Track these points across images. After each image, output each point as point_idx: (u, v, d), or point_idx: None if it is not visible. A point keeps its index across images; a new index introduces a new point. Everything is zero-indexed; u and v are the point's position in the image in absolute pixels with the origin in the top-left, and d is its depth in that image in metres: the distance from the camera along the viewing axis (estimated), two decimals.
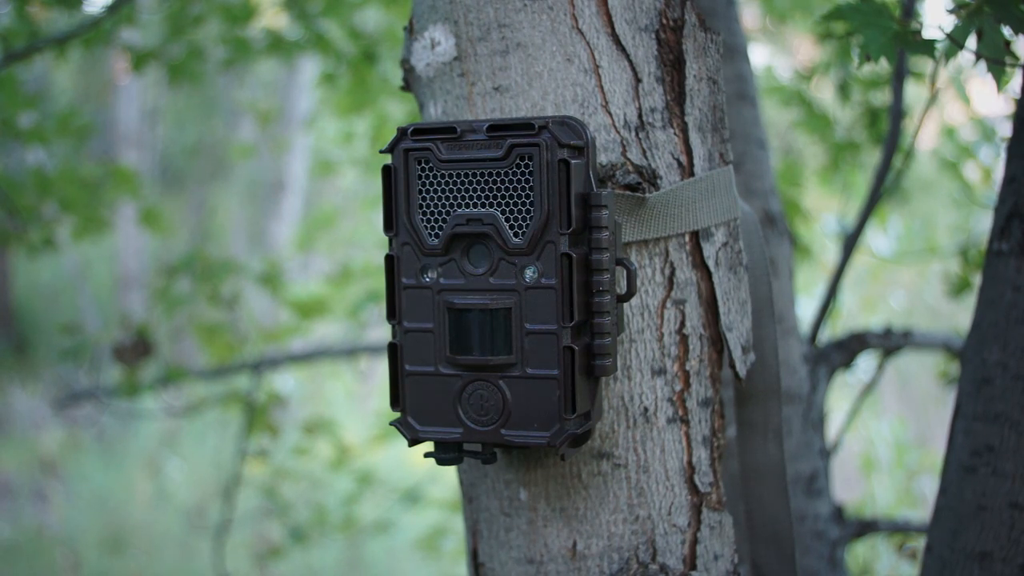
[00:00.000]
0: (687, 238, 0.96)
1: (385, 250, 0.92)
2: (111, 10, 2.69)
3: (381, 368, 6.23)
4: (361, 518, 4.38)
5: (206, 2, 3.05)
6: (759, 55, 7.06)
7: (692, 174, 0.96)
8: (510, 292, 0.87)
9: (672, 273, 0.96)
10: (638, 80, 0.95)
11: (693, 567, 0.97)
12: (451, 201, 0.88)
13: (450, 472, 3.83)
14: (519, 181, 0.86)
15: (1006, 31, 1.07)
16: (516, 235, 0.86)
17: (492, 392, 0.88)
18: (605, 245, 0.86)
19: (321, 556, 5.49)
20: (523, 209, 0.86)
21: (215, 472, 6.16)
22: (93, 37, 2.83)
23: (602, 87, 0.94)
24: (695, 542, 0.98)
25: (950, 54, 1.13)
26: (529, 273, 0.86)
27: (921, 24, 1.19)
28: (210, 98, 10.74)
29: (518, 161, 0.86)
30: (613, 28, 0.95)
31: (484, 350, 0.88)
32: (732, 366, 1.01)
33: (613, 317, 0.88)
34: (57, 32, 2.86)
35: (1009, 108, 2.07)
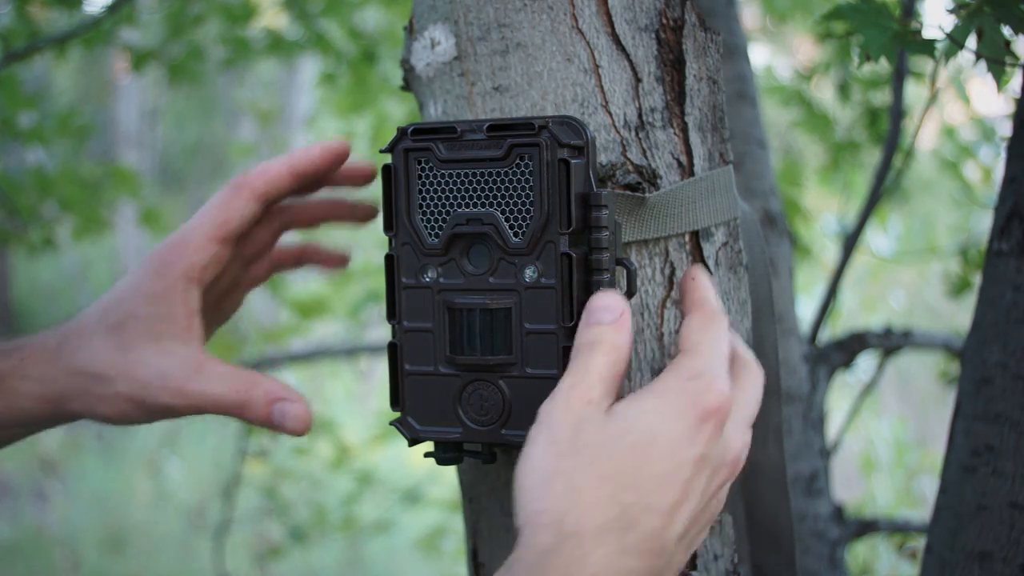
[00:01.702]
0: (687, 238, 0.96)
1: (385, 250, 0.91)
2: (111, 10, 2.69)
3: (381, 368, 6.24)
4: (361, 518, 4.38)
5: (206, 2, 3.05)
6: (759, 55, 7.06)
7: (692, 174, 0.96)
8: (509, 292, 0.87)
9: (672, 273, 0.96)
10: (638, 80, 0.95)
11: (693, 567, 0.97)
12: (451, 201, 0.88)
13: (450, 472, 3.83)
14: (519, 181, 0.86)
15: (1006, 31, 1.07)
16: (516, 235, 0.86)
17: (492, 392, 0.88)
18: (605, 245, 0.86)
19: (321, 556, 5.49)
20: (523, 209, 0.86)
21: (215, 472, 6.16)
22: (93, 37, 2.83)
23: (602, 87, 0.94)
24: None
25: (950, 54, 1.13)
26: (529, 273, 0.86)
27: (921, 24, 1.18)
28: (210, 98, 10.75)
29: (518, 161, 0.85)
30: (613, 28, 0.95)
31: (484, 350, 0.87)
32: None
33: None
34: (57, 32, 2.86)
35: (1009, 108, 2.07)
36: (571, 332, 0.85)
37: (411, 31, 1.01)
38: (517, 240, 0.86)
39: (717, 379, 0.78)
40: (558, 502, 0.73)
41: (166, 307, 0.88)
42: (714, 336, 0.82)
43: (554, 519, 0.73)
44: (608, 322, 0.80)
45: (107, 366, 0.88)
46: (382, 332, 5.13)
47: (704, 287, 0.88)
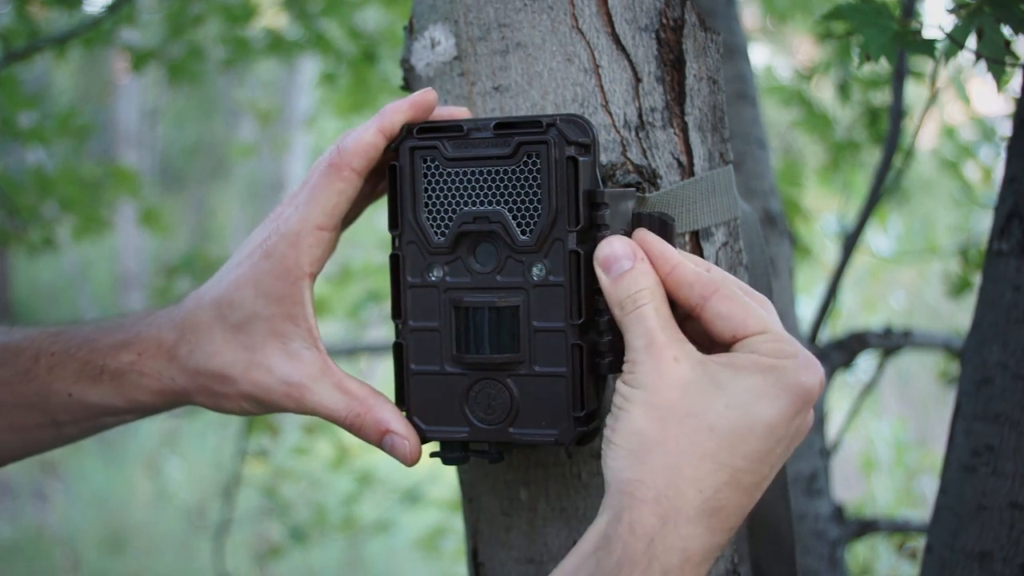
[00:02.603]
0: (687, 238, 0.96)
1: (386, 249, 0.91)
2: (111, 10, 2.69)
3: (381, 368, 6.25)
4: (361, 518, 4.38)
5: (206, 2, 3.05)
6: (759, 55, 7.06)
7: (692, 174, 0.96)
8: (517, 290, 0.86)
9: None
10: (638, 80, 0.95)
11: None
12: (457, 199, 0.87)
13: (450, 472, 3.84)
14: (527, 179, 0.85)
15: (1006, 31, 1.07)
16: (524, 233, 0.86)
17: (499, 390, 0.87)
18: None
19: (321, 556, 5.49)
20: (531, 207, 0.85)
21: (215, 472, 6.16)
22: (93, 37, 2.83)
23: (602, 87, 0.94)
24: None
25: (950, 54, 1.13)
26: (536, 271, 0.86)
27: (921, 24, 1.19)
28: (210, 98, 10.74)
29: (526, 159, 0.85)
30: (613, 28, 0.95)
31: (491, 348, 0.87)
32: None
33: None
34: (57, 32, 2.86)
35: (1009, 108, 2.07)
36: (580, 329, 0.85)
37: (411, 31, 1.01)
38: (525, 238, 0.86)
39: (812, 357, 0.78)
40: (657, 476, 0.74)
41: (290, 307, 0.88)
42: (763, 309, 0.80)
43: (654, 495, 0.74)
44: (630, 268, 0.80)
45: (230, 367, 0.88)
46: (382, 332, 5.14)
47: (684, 261, 0.82)
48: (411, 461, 0.89)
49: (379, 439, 0.89)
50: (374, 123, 0.88)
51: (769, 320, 0.79)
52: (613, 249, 0.81)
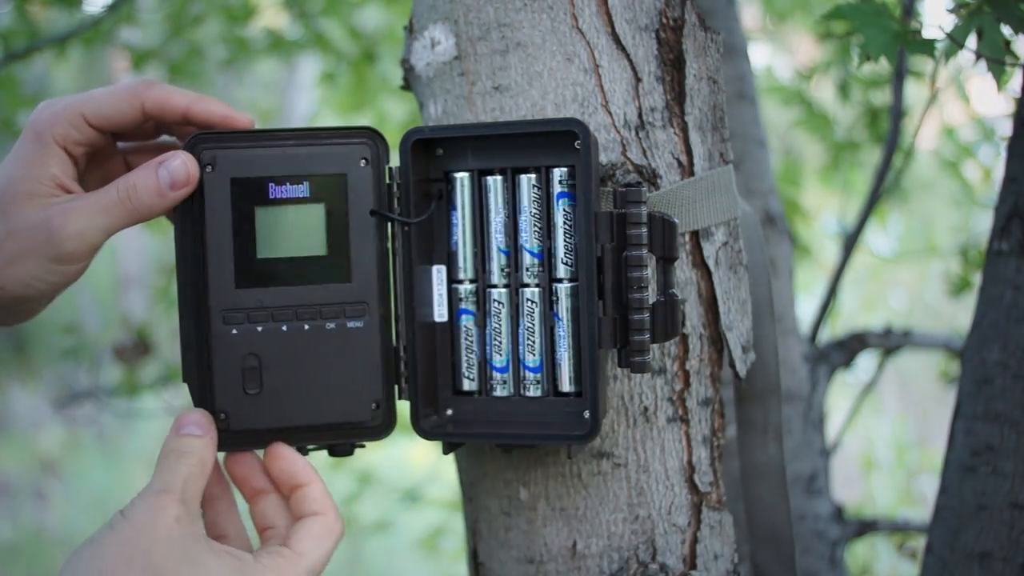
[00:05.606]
0: (687, 237, 0.96)
1: None
2: (111, 9, 2.69)
3: None
4: (361, 518, 4.38)
5: (206, 2, 3.05)
6: (759, 55, 7.05)
7: (692, 174, 0.96)
8: None
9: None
10: (638, 79, 0.95)
11: (693, 566, 0.97)
12: None
13: (450, 472, 3.83)
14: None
15: (1006, 30, 1.07)
16: None
17: None
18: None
19: None
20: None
21: None
22: (93, 36, 2.82)
23: (602, 86, 0.95)
24: (695, 541, 0.98)
25: (950, 54, 1.13)
26: None
27: (921, 24, 1.19)
28: None
29: None
30: (613, 28, 0.95)
31: None
32: (732, 365, 1.01)
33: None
34: (57, 32, 2.86)
35: (1009, 108, 2.07)
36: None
37: (411, 31, 1.02)
38: None
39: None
40: None
41: (40, 169, 0.88)
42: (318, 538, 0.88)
43: None
44: (197, 436, 0.84)
45: None
46: None
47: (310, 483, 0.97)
48: (191, 180, 0.87)
49: (155, 177, 0.87)
50: (194, 97, 0.91)
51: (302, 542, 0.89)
52: (192, 418, 0.85)
